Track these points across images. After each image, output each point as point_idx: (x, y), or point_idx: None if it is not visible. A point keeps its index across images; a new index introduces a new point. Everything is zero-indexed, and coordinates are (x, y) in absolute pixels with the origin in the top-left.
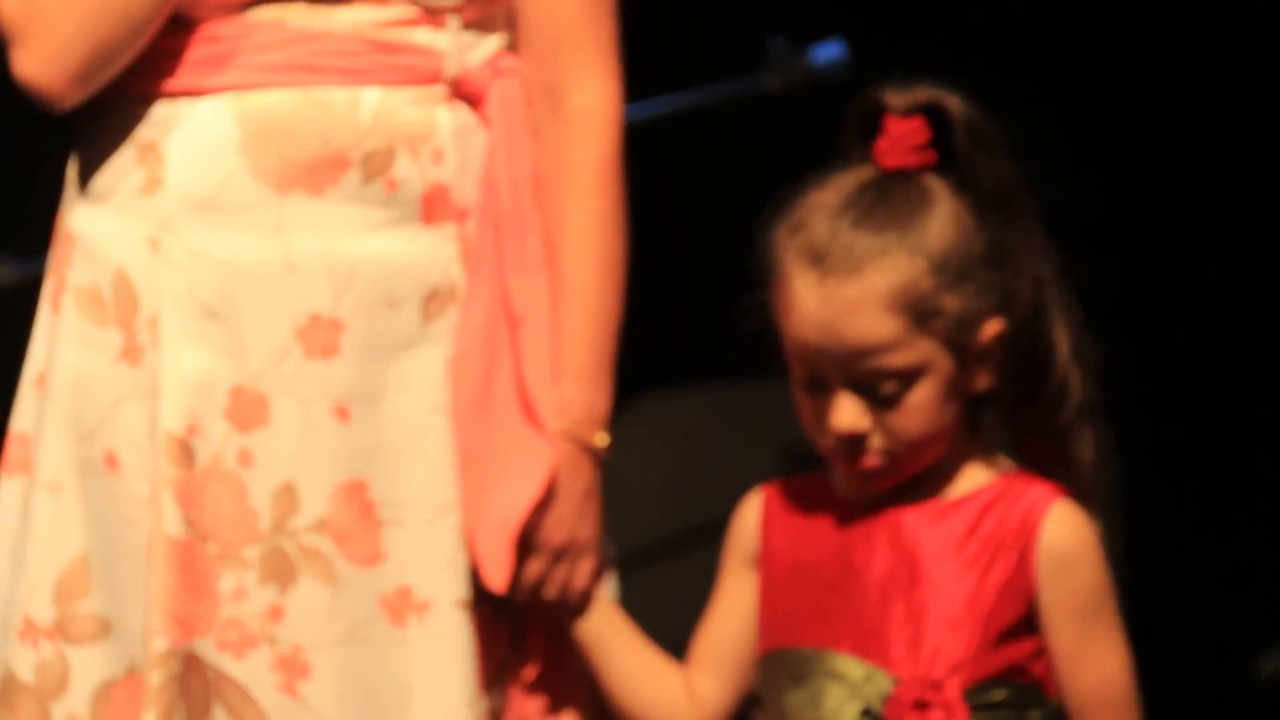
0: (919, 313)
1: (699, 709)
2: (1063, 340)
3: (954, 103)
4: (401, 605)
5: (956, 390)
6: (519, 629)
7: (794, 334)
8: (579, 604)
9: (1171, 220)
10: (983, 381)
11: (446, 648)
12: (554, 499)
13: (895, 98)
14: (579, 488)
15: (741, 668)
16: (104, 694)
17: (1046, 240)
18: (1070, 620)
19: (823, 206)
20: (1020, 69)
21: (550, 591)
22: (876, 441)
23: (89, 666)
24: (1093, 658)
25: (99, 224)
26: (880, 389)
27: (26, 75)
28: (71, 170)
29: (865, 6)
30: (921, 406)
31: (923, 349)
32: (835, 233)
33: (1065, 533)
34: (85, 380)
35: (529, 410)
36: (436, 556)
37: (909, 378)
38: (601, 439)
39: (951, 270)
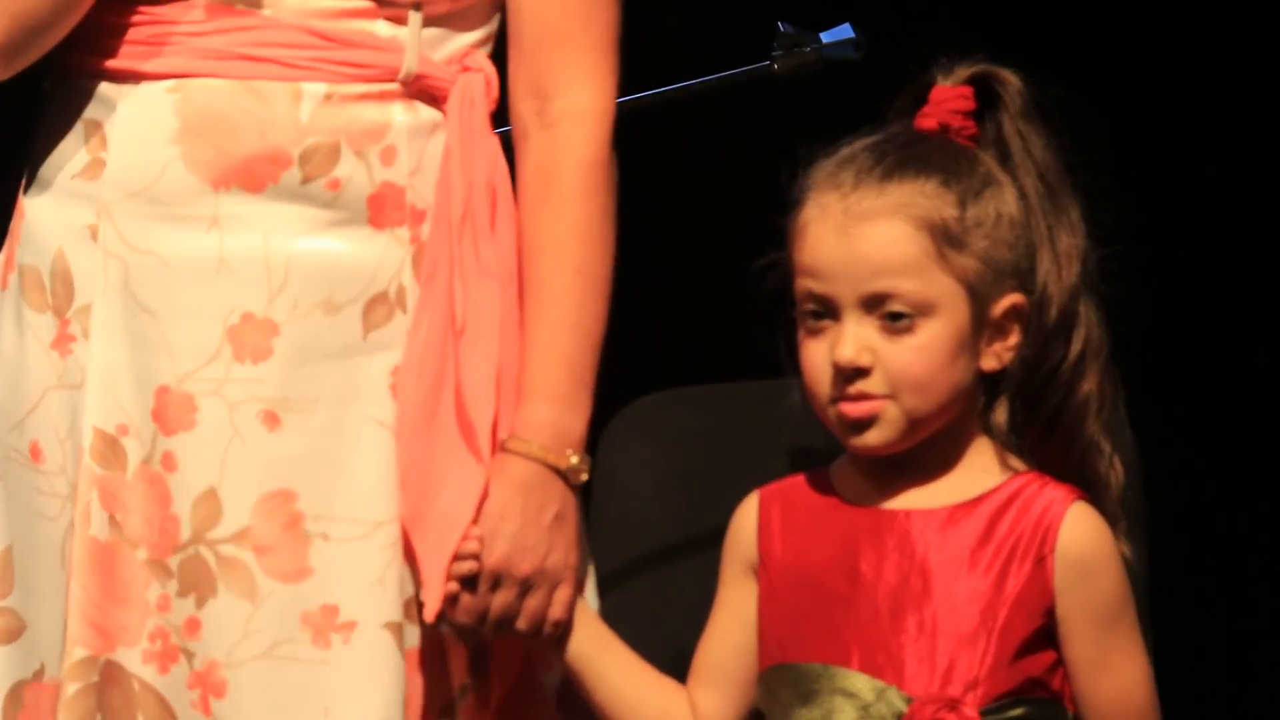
0: (945, 238)
1: None
2: (1088, 342)
3: (1008, 74)
4: (325, 624)
5: (966, 350)
6: (480, 651)
7: (810, 254)
8: (555, 635)
9: (1203, 231)
10: (994, 359)
11: (371, 671)
12: (518, 526)
13: (945, 69)
14: (547, 513)
15: (746, 682)
16: (16, 695)
17: (1085, 237)
18: (1090, 629)
19: (855, 147)
20: (1030, 54)
21: (522, 625)
22: (877, 382)
23: (3, 665)
24: (1113, 668)
25: (44, 205)
26: (890, 315)
27: None
28: (33, 144)
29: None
30: (927, 347)
31: (941, 284)
32: (868, 160)
33: (1085, 537)
34: (19, 365)
35: (466, 427)
36: (366, 575)
37: (922, 310)
38: (574, 461)
39: (986, 220)
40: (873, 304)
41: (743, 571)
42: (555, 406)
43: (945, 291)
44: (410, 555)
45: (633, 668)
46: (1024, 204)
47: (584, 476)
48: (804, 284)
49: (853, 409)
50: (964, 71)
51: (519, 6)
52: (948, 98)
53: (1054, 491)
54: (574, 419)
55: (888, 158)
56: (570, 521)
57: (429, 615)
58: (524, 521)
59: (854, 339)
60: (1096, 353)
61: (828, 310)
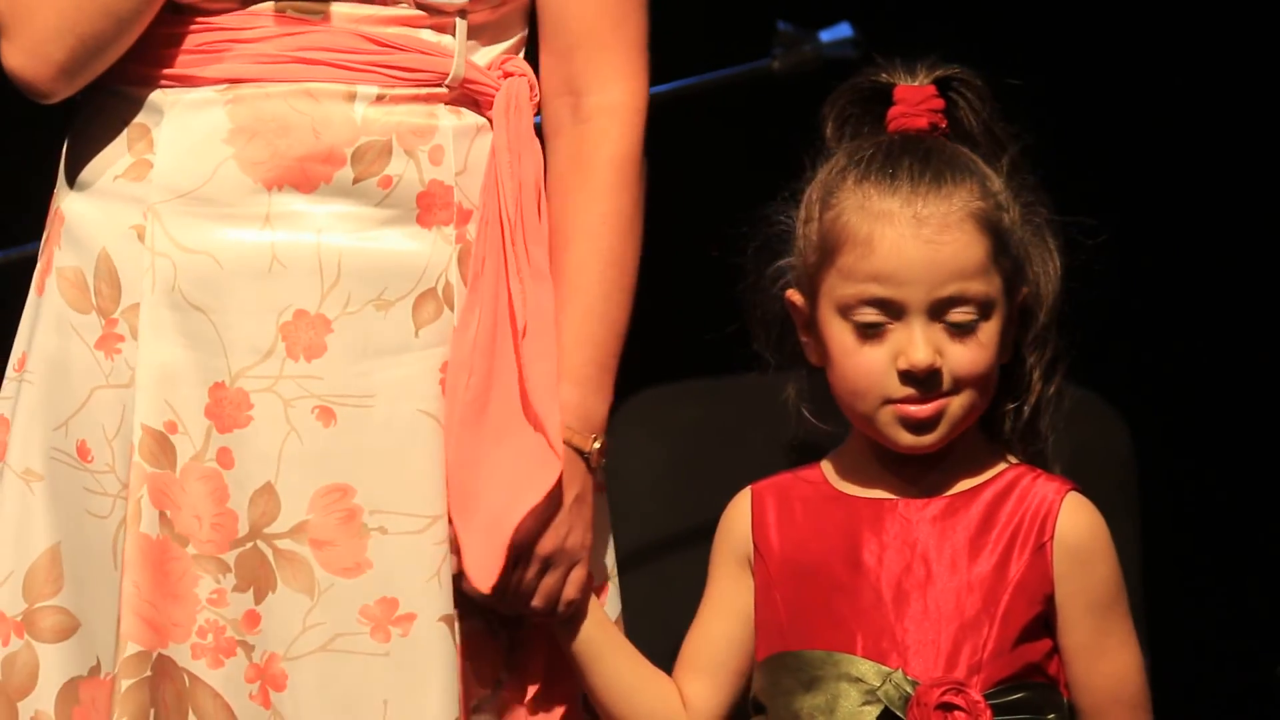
0: (998, 239)
1: (692, 717)
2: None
3: (966, 72)
4: (384, 617)
5: (1005, 346)
6: (513, 647)
7: (882, 260)
8: (569, 613)
9: (1188, 219)
10: (1008, 352)
11: (429, 663)
12: (546, 506)
13: (907, 71)
14: (569, 494)
15: (735, 672)
16: (71, 692)
17: (1052, 222)
18: (1087, 616)
19: (865, 153)
20: (1026, 53)
21: (539, 601)
22: (944, 381)
23: (57, 663)
24: (1108, 654)
25: (87, 207)
26: (958, 319)
27: (13, 67)
28: (66, 151)
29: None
30: (988, 344)
31: (994, 283)
32: (908, 162)
33: (1082, 525)
34: (62, 366)
35: (534, 420)
36: (424, 568)
37: (984, 309)
38: (595, 445)
39: (1016, 219)
40: (942, 307)
41: (736, 565)
42: (581, 390)
43: (997, 289)
44: (455, 548)
45: (632, 658)
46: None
47: (602, 460)
48: (865, 289)
49: (921, 410)
50: (927, 73)
51: (554, 9)
52: (923, 97)
53: (1048, 482)
54: (598, 403)
55: (931, 160)
56: (588, 504)
57: (486, 586)
58: (548, 501)
59: (928, 342)
60: (1064, 352)
61: (890, 314)
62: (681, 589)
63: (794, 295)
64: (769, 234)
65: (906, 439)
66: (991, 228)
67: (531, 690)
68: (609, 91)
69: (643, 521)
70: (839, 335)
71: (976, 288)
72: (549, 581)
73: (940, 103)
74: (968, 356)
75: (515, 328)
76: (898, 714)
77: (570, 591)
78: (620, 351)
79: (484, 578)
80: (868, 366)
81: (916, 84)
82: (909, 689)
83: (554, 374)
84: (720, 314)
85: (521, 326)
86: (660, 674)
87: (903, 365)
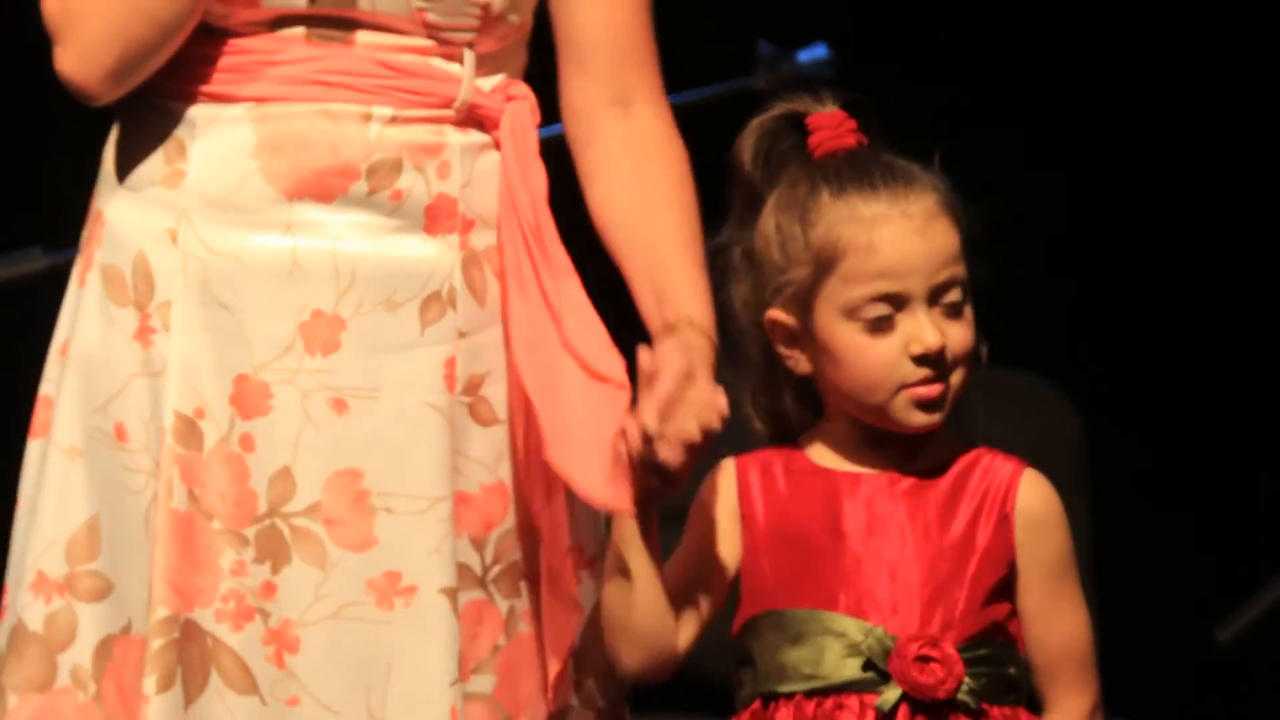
0: (962, 227)
1: (684, 636)
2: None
3: (859, 97)
4: (389, 589)
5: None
6: (513, 617)
7: (886, 257)
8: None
9: (1137, 211)
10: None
11: (430, 630)
12: (699, 383)
13: (810, 100)
14: (710, 368)
15: (710, 608)
16: (105, 648)
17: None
18: (1043, 581)
19: (827, 171)
20: (996, 74)
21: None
22: (948, 360)
23: (94, 621)
24: (1061, 616)
25: (126, 211)
26: (950, 300)
27: (65, 71)
28: (107, 159)
29: (847, 13)
30: (971, 322)
31: (965, 267)
32: (879, 169)
33: (1039, 498)
34: (102, 355)
35: (597, 376)
36: (426, 545)
37: (965, 291)
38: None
39: (960, 205)
40: (938, 292)
41: (725, 522)
42: (705, 303)
43: (967, 274)
44: (460, 526)
45: (657, 572)
46: None
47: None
48: (874, 287)
49: (932, 390)
50: (831, 100)
51: (592, 34)
52: (839, 120)
53: (1006, 461)
54: (708, 307)
55: (891, 167)
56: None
57: (628, 508)
58: (701, 378)
59: (934, 327)
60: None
61: (895, 306)
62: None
63: (777, 314)
64: (720, 266)
65: (920, 419)
66: (957, 217)
67: (528, 652)
68: (655, 102)
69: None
70: (846, 336)
71: (961, 271)
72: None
73: (854, 122)
74: (962, 335)
75: (555, 317)
76: (878, 665)
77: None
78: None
79: (625, 502)
80: (881, 358)
81: (827, 110)
82: (889, 643)
83: (607, 342)
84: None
85: (559, 316)
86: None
87: (917, 350)
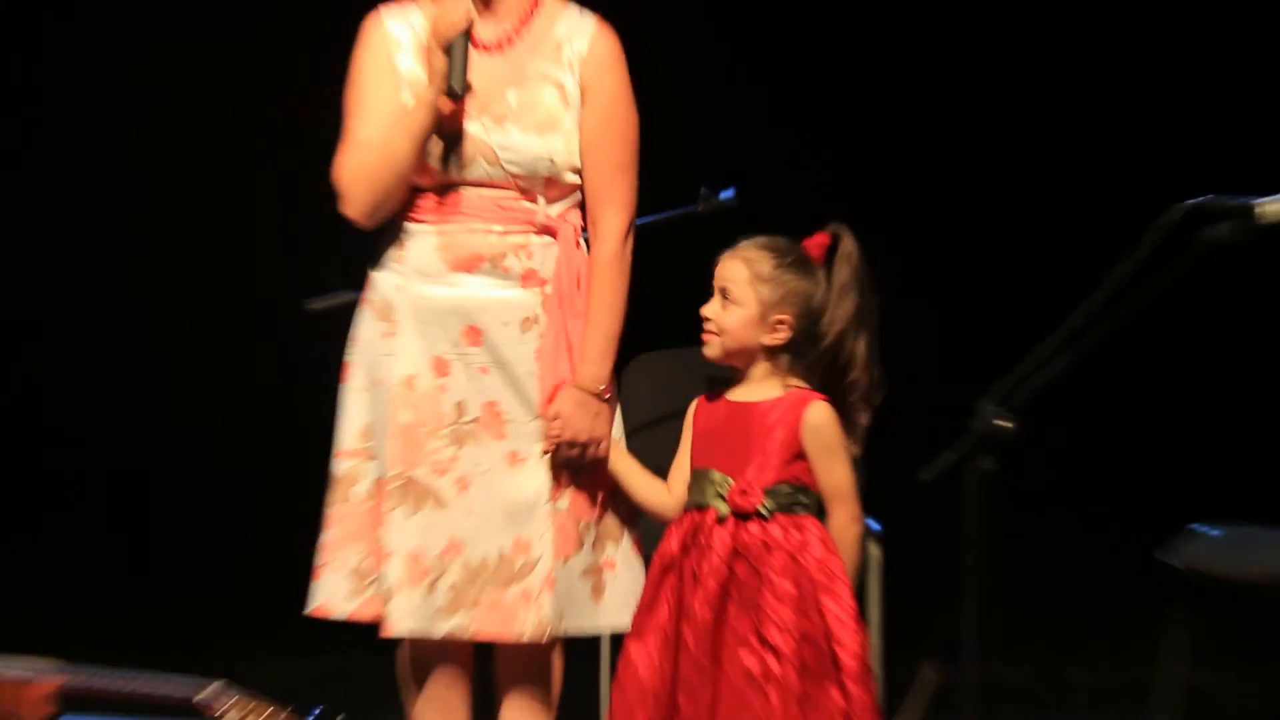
0: (752, 269)
1: (674, 498)
2: (860, 354)
3: (847, 237)
4: (513, 460)
5: (754, 330)
6: (571, 466)
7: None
8: (598, 461)
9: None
10: (774, 339)
11: (531, 476)
12: (577, 419)
13: (832, 229)
14: (590, 411)
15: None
16: (375, 486)
17: (871, 309)
18: (819, 459)
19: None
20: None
21: (582, 459)
22: (712, 326)
23: (369, 471)
24: (832, 472)
25: (381, 275)
26: (723, 293)
27: (348, 214)
28: (373, 246)
29: (751, 170)
30: (734, 310)
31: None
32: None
33: (817, 416)
34: (372, 343)
35: (571, 375)
36: (532, 437)
37: (732, 296)
38: (601, 389)
39: (778, 277)
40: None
41: (687, 430)
42: (595, 366)
43: (748, 297)
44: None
45: (641, 472)
46: (824, 285)
47: (609, 392)
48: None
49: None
50: (830, 231)
51: (588, 183)
52: (820, 240)
53: (808, 395)
54: (603, 371)
55: (767, 243)
56: (604, 416)
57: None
58: (577, 416)
59: (709, 306)
60: (859, 361)
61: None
62: (663, 464)
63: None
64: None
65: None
66: (749, 263)
67: (585, 491)
68: (609, 223)
69: (640, 424)
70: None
71: (732, 286)
72: (590, 451)
73: (825, 242)
74: (719, 315)
75: (570, 342)
76: (722, 495)
77: (600, 453)
78: (615, 346)
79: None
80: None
81: (826, 232)
82: (728, 485)
83: (589, 355)
84: (690, 318)
85: (572, 343)
86: (656, 478)
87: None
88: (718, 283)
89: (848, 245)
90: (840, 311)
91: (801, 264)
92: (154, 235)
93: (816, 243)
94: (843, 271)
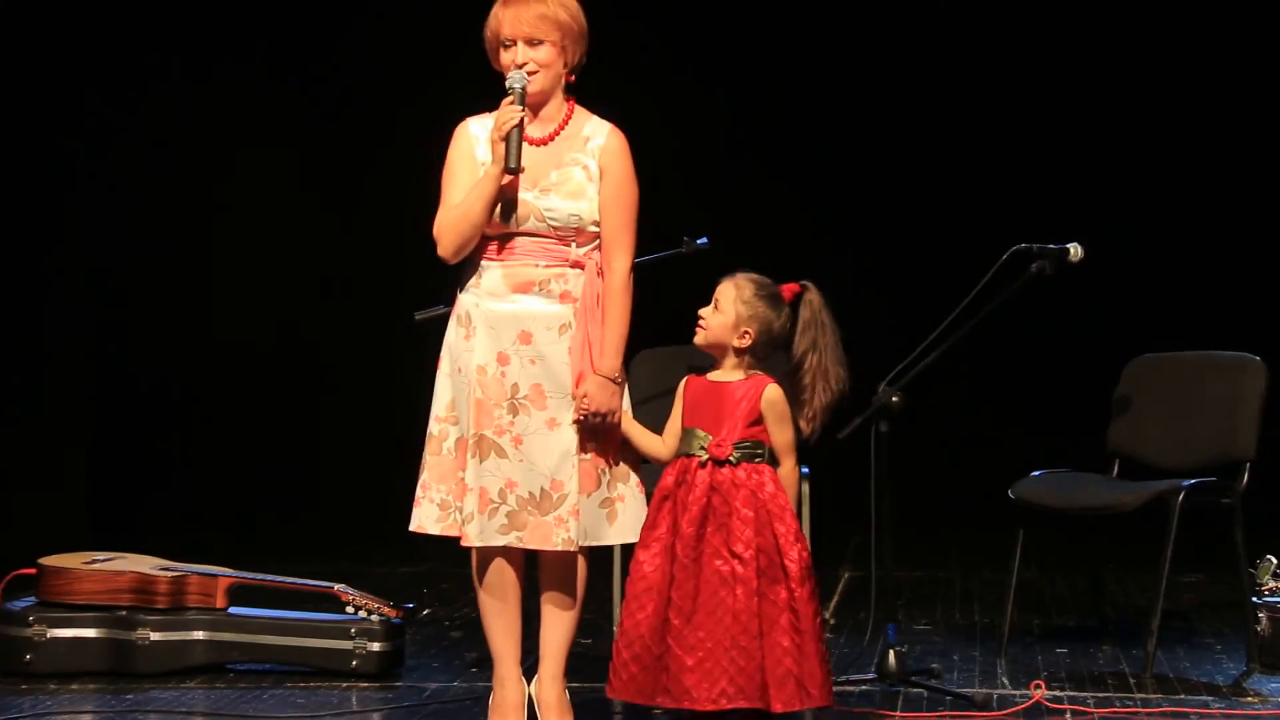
0: (740, 296)
1: (668, 449)
2: (813, 366)
3: (812, 289)
4: (551, 423)
5: (728, 334)
6: (594, 429)
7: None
8: (613, 426)
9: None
10: (740, 343)
11: (562, 437)
12: (598, 396)
13: (803, 283)
14: (608, 391)
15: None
16: (459, 442)
17: (827, 339)
18: (773, 424)
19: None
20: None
21: (602, 425)
22: (702, 323)
23: (453, 432)
24: (780, 434)
25: (462, 295)
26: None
27: (440, 255)
28: (459, 274)
29: (724, 220)
30: (716, 316)
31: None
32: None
33: (772, 394)
34: (457, 346)
35: (593, 366)
36: (566, 409)
37: (716, 305)
38: (617, 376)
39: (753, 303)
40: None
41: (678, 402)
42: (611, 359)
43: (731, 311)
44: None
45: (644, 432)
46: (793, 319)
47: (621, 379)
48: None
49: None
50: (800, 284)
51: (603, 234)
52: (792, 289)
53: (767, 379)
54: (617, 363)
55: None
56: (617, 395)
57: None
58: (601, 394)
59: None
60: (821, 373)
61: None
62: (659, 426)
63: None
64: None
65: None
66: (737, 286)
67: (603, 449)
68: (617, 264)
69: (642, 398)
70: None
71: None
72: (606, 419)
73: (794, 291)
74: (710, 321)
75: (591, 342)
76: (704, 446)
77: (614, 419)
78: (624, 345)
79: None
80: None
81: (797, 285)
82: (708, 439)
83: (607, 350)
84: (676, 327)
85: (593, 344)
86: (655, 435)
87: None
88: (715, 294)
89: (811, 295)
90: (804, 340)
91: (773, 299)
92: (335, 281)
93: (789, 288)
94: (806, 312)
